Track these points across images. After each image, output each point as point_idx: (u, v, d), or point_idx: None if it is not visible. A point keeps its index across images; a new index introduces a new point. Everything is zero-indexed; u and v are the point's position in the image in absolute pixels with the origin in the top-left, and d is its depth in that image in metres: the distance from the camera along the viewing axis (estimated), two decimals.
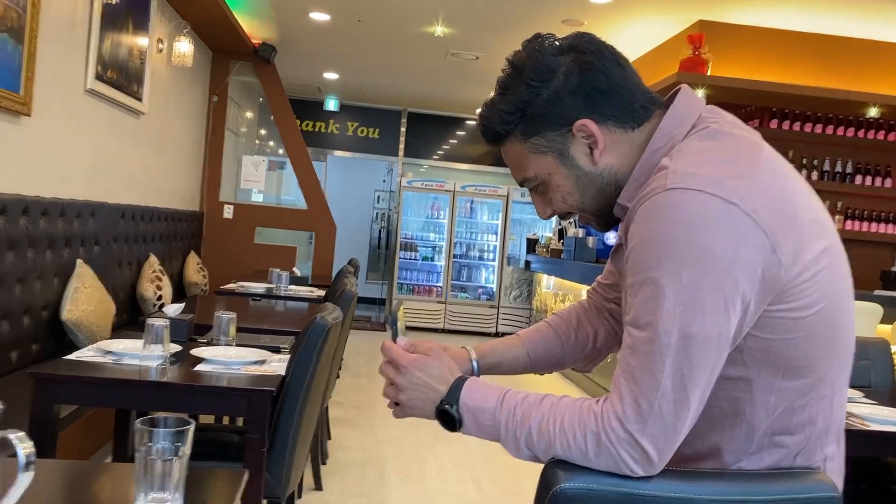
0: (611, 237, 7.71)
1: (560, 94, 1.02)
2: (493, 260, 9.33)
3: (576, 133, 1.03)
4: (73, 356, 2.24)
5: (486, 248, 9.39)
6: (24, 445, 0.91)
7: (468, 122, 10.39)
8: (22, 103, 3.13)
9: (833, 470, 1.05)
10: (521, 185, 1.12)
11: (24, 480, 0.91)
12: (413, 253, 9.39)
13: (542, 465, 1.02)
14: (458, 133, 10.46)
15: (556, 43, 1.06)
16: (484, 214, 9.47)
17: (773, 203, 0.93)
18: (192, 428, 1.16)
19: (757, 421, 0.99)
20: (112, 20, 4.09)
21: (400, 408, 1.12)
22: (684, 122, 1.03)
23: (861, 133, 5.98)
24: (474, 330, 8.91)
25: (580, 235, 6.62)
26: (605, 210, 1.10)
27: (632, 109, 1.04)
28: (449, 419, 1.05)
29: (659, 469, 0.94)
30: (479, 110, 1.11)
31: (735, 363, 0.97)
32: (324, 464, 3.55)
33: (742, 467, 1.03)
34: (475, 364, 1.26)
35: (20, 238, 3.12)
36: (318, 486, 3.31)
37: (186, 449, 1.16)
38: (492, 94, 1.09)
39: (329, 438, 4.04)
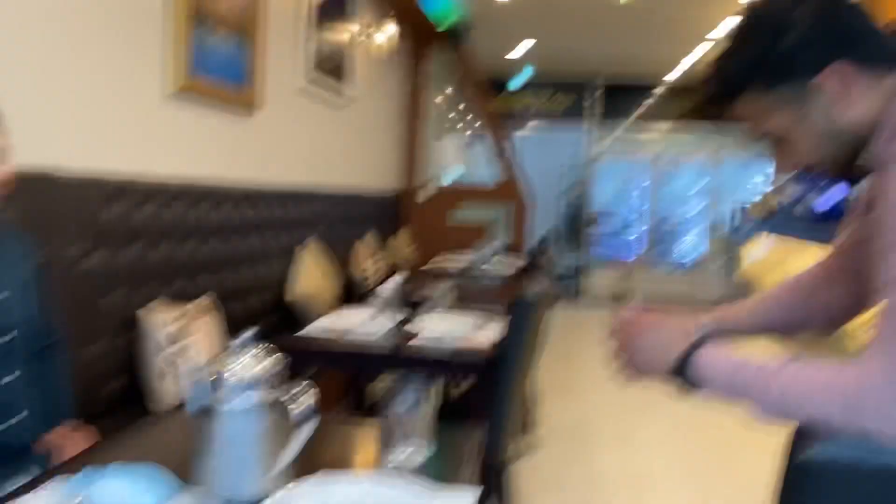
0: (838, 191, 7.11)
1: (806, 40, 0.95)
2: (696, 227, 8.95)
3: (822, 82, 0.96)
4: (310, 327, 2.49)
5: (688, 215, 9.02)
6: (307, 397, 1.04)
7: (666, 87, 9.98)
8: (251, 99, 3.48)
9: None
10: (758, 140, 1.06)
11: (309, 428, 1.05)
12: (607, 225, 9.24)
13: (765, 432, 0.99)
14: (655, 99, 10.08)
15: None
16: (684, 182, 9.10)
17: None
18: (435, 386, 1.27)
19: None
20: (325, 12, 4.41)
21: (632, 371, 1.14)
22: None
23: None
24: (672, 304, 8.63)
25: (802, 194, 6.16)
26: (847, 164, 1.03)
27: (883, 53, 0.97)
28: (686, 381, 1.06)
29: None
30: (707, 65, 1.05)
31: None
32: (533, 430, 3.65)
33: None
34: (706, 330, 1.25)
35: (257, 223, 3.48)
36: (530, 452, 3.40)
37: (431, 405, 1.27)
38: (724, 45, 1.03)
39: (537, 406, 4.13)
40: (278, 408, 1.09)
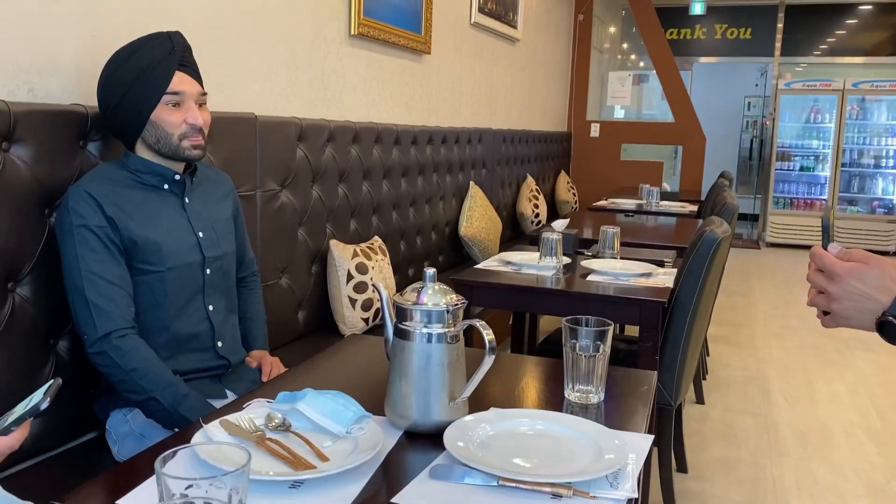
0: None
1: None
2: (893, 168, 8.12)
3: None
4: (481, 265, 2.54)
5: (883, 153, 8.18)
6: (487, 332, 1.08)
7: (860, 8, 9.00)
8: (423, 42, 3.53)
9: None
10: None
11: (489, 361, 1.08)
12: (790, 163, 8.57)
13: None
14: (847, 22, 9.12)
15: None
16: (882, 115, 8.22)
17: None
18: (611, 329, 1.26)
19: None
20: None
21: (831, 317, 1.07)
22: None
23: None
24: (868, 249, 7.92)
25: None
26: None
27: None
28: (892, 330, 0.98)
29: None
30: None
31: None
32: (704, 379, 3.54)
33: None
34: None
35: (427, 164, 3.57)
36: (700, 400, 3.32)
37: (606, 348, 1.26)
38: None
39: (708, 355, 4.00)
40: (460, 341, 1.13)
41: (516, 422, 1.13)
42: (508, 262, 2.56)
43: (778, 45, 9.20)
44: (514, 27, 4.93)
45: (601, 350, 1.25)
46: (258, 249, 2.27)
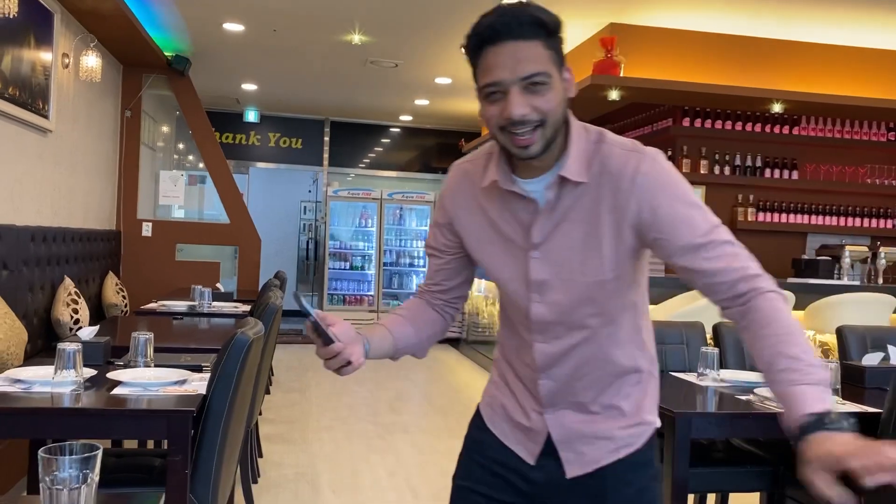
0: None
1: (561, 44, 1.24)
2: (424, 266, 9.35)
3: (565, 72, 1.24)
4: None
5: (416, 254, 9.40)
6: None
7: (392, 130, 10.39)
8: None
9: None
10: (525, 79, 1.18)
11: None
12: (343, 262, 9.31)
13: None
14: (382, 140, 10.44)
15: None
16: (413, 221, 9.48)
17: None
18: (99, 453, 1.12)
19: None
20: (11, 34, 3.92)
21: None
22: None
23: (768, 128, 6.25)
24: None
25: None
26: (552, 139, 1.24)
27: None
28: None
29: None
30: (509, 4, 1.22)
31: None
32: (255, 482, 3.48)
33: None
34: (367, 346, 1.31)
35: None
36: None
37: (94, 476, 1.12)
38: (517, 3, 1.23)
39: (260, 456, 3.96)
40: None
41: None
42: (17, 381, 2.20)
43: (326, 155, 10.07)
44: (46, 117, 4.48)
45: (88, 479, 1.10)
46: None
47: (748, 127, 6.21)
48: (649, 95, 5.81)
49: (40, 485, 1.10)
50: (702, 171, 6.14)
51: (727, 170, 6.23)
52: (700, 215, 1.24)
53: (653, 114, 6.33)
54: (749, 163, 6.29)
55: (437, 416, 5.24)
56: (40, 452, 1.10)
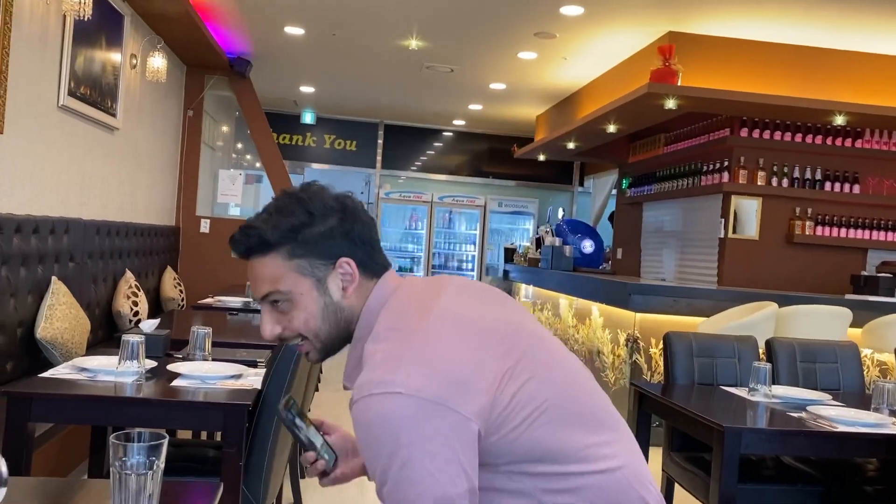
0: (587, 246, 7.80)
1: (334, 231, 1.17)
2: (472, 269, 9.38)
3: (337, 267, 1.17)
4: (47, 374, 2.24)
5: (464, 258, 9.43)
6: None
7: (445, 134, 10.46)
8: None
9: None
10: (263, 298, 1.18)
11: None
12: (392, 264, 9.40)
13: None
14: (435, 144, 10.51)
15: (326, 192, 1.21)
16: (462, 224, 9.52)
17: (436, 372, 1.03)
18: (165, 442, 1.18)
19: None
20: (84, 36, 4.09)
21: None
22: (378, 301, 1.19)
23: (829, 140, 6.09)
24: None
25: (557, 244, 6.67)
26: (335, 343, 1.22)
27: (375, 264, 1.21)
28: None
29: None
30: (248, 221, 1.19)
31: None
32: (303, 477, 3.55)
33: None
34: None
35: (4, 254, 3.10)
36: (298, 501, 3.30)
37: (160, 463, 1.17)
38: (260, 212, 1.18)
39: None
40: None
41: None
42: (82, 369, 2.30)
43: (379, 158, 10.19)
44: (114, 115, 4.66)
45: (154, 466, 1.16)
46: None
47: (808, 139, 6.07)
48: (707, 105, 5.74)
49: (110, 469, 1.16)
50: (759, 183, 6.03)
51: (785, 182, 6.10)
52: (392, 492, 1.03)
53: (710, 123, 6.24)
54: (808, 175, 6.15)
55: None
56: (112, 438, 1.16)
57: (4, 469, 0.90)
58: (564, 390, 1.12)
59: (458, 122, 10.01)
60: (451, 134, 10.48)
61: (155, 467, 1.17)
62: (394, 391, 1.00)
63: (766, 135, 6.04)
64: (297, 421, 1.25)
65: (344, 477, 1.27)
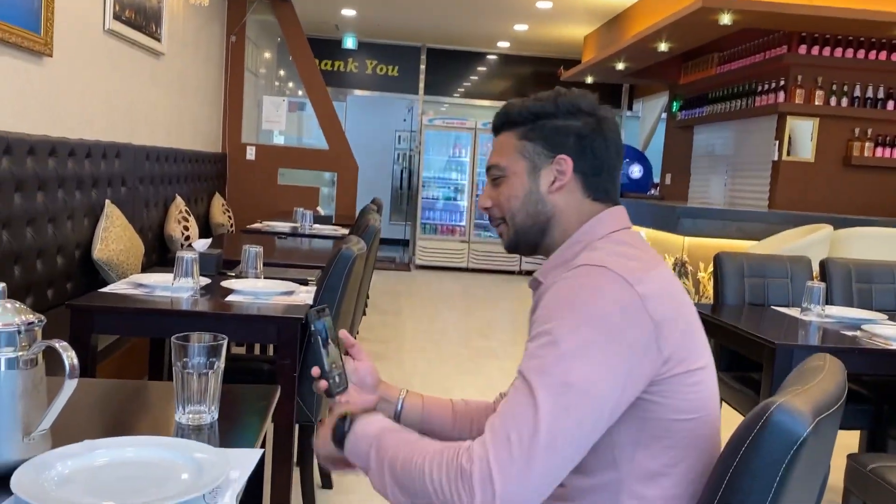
0: (636, 171, 7.64)
1: (570, 130, 1.18)
2: None
3: (555, 162, 1.18)
4: (106, 289, 2.31)
5: None
6: (68, 354, 0.95)
7: (489, 58, 10.23)
8: (43, 43, 3.14)
9: None
10: (489, 169, 1.24)
11: (70, 386, 0.96)
12: (436, 192, 9.37)
13: None
14: (479, 69, 10.30)
15: (589, 98, 1.21)
16: None
17: (671, 303, 1.03)
18: (225, 343, 1.21)
19: None
20: None
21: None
22: (606, 226, 1.16)
23: (893, 56, 5.80)
24: (497, 269, 8.92)
25: None
26: (527, 234, 1.21)
27: (599, 185, 1.20)
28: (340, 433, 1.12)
29: None
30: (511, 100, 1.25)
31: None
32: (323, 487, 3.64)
33: None
34: (400, 403, 1.34)
35: (49, 178, 3.17)
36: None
37: (220, 363, 1.21)
38: (531, 96, 1.23)
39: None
40: (38, 366, 0.99)
41: (106, 452, 1.02)
42: (140, 285, 2.37)
43: (421, 84, 10.04)
44: (158, 40, 4.65)
45: (215, 366, 1.20)
46: None
47: (871, 55, 5.79)
48: (763, 20, 5.48)
49: (173, 369, 1.20)
50: (816, 103, 5.80)
51: (844, 101, 5.86)
52: (540, 350, 1.01)
53: (766, 41, 5.98)
54: (870, 94, 5.88)
55: None
56: (173, 339, 1.19)
57: (75, 360, 0.93)
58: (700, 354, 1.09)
59: (503, 45, 9.77)
60: (495, 57, 10.25)
61: (216, 367, 1.20)
62: (632, 283, 1.00)
63: (826, 51, 5.78)
64: (323, 328, 1.23)
65: (346, 406, 1.21)
